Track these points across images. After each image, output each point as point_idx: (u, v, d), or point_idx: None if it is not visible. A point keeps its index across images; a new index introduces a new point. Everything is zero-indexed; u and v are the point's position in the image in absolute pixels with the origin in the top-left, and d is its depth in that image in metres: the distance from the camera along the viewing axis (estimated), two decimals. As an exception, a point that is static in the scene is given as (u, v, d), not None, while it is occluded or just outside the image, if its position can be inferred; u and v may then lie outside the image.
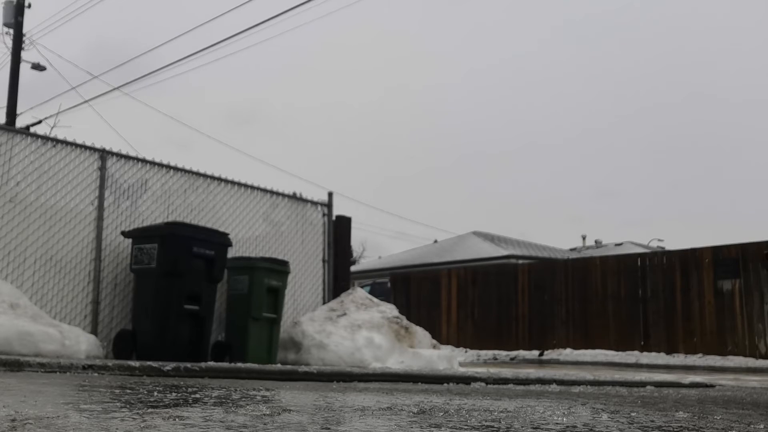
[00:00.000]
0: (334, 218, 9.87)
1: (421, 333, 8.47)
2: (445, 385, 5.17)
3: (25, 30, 19.01)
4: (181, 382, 4.05)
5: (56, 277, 7.06)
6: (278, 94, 76.55)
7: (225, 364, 5.96)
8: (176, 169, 8.20)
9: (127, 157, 7.83)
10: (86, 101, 19.68)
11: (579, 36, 75.21)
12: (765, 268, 7.32)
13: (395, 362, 7.61)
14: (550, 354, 16.02)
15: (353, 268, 20.75)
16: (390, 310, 8.52)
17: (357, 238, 51.29)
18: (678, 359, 14.09)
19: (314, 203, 9.71)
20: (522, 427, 2.21)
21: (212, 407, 2.49)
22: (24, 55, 18.98)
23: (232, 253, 7.90)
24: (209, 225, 8.01)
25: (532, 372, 7.37)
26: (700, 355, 14.20)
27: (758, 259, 13.92)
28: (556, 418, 2.52)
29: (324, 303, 9.18)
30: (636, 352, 14.87)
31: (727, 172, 67.56)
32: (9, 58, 18.65)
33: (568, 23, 73.57)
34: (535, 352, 16.42)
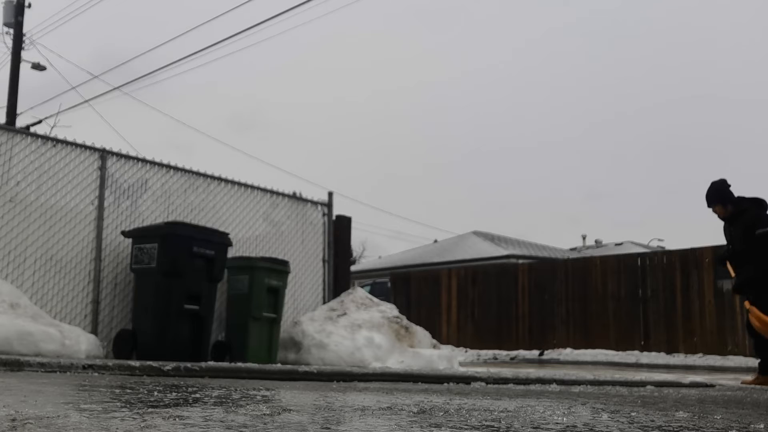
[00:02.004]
0: (334, 218, 9.87)
1: (421, 333, 8.47)
2: (445, 384, 5.17)
3: (25, 30, 19.03)
4: (181, 382, 4.05)
5: (56, 276, 7.06)
6: (277, 93, 76.63)
7: (225, 364, 5.96)
8: (176, 168, 8.20)
9: (128, 157, 7.83)
10: (86, 101, 19.70)
11: (578, 34, 75.24)
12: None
13: (395, 362, 7.61)
14: (550, 354, 16.02)
15: (353, 268, 20.76)
16: (390, 309, 8.52)
17: (357, 238, 51.34)
18: (678, 359, 14.09)
19: (314, 203, 9.71)
20: (522, 426, 2.21)
21: (212, 407, 2.49)
22: (24, 54, 19.00)
23: (232, 252, 7.91)
24: (209, 225, 8.01)
25: (532, 372, 7.37)
26: (700, 354, 14.20)
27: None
28: (556, 417, 2.52)
29: (324, 303, 9.19)
30: (636, 352, 14.87)
31: (726, 172, 67.54)
32: (9, 58, 18.67)
33: (566, 23, 73.59)
34: (535, 352, 16.41)
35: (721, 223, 7.41)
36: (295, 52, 74.56)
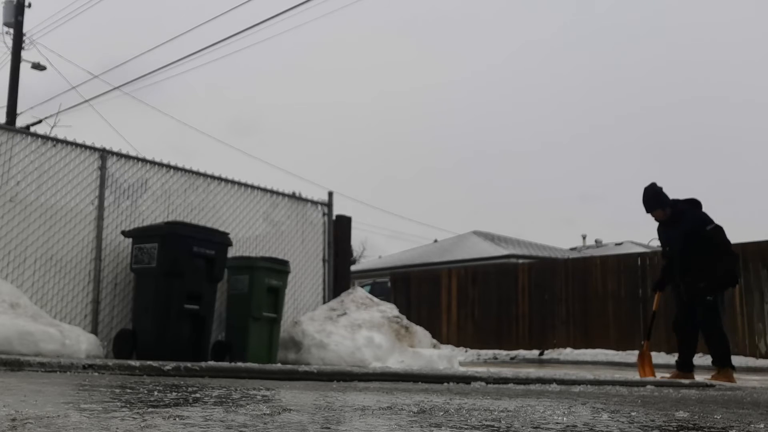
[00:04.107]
0: (334, 218, 9.86)
1: (421, 332, 8.46)
2: (446, 384, 5.17)
3: (25, 30, 19.02)
4: (182, 382, 4.05)
5: (56, 276, 7.06)
6: (277, 95, 76.61)
7: (225, 364, 5.96)
8: (176, 168, 8.20)
9: (128, 157, 7.83)
10: (86, 101, 19.70)
11: (578, 36, 75.27)
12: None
13: (395, 362, 7.61)
14: (550, 353, 16.01)
15: (353, 268, 20.75)
16: (390, 309, 8.51)
17: (357, 237, 51.38)
18: (678, 359, 14.06)
19: (314, 203, 9.71)
20: (522, 426, 2.21)
21: (212, 407, 2.49)
22: (24, 54, 19.00)
23: (232, 252, 7.90)
24: (209, 224, 8.01)
25: (532, 371, 7.37)
26: (700, 354, 14.15)
27: (758, 258, 13.90)
28: (556, 417, 2.52)
29: (324, 302, 9.18)
30: (636, 352, 14.82)
31: (726, 172, 67.61)
32: (9, 58, 18.67)
33: (567, 23, 73.63)
34: (536, 352, 16.41)
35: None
36: (295, 54, 74.60)
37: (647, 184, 7.50)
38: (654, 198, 7.39)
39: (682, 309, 7.38)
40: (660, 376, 7.45)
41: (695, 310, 7.31)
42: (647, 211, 7.46)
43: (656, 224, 7.65)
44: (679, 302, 7.42)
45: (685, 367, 7.32)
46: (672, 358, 14.06)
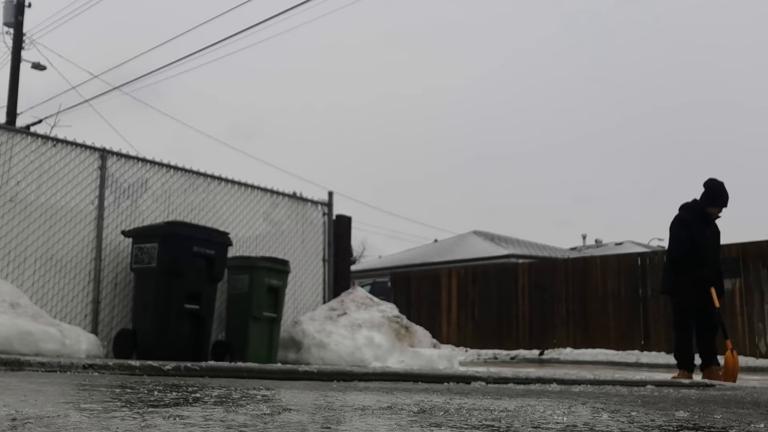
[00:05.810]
0: (334, 218, 9.86)
1: (421, 332, 8.46)
2: (446, 384, 5.17)
3: (25, 29, 19.02)
4: (182, 382, 4.05)
5: (56, 276, 7.06)
6: (278, 97, 76.61)
7: (225, 364, 5.96)
8: (176, 168, 8.20)
9: (128, 157, 7.83)
10: (86, 101, 19.69)
11: (578, 37, 75.29)
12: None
13: (395, 361, 7.61)
14: (550, 353, 16.01)
15: (353, 268, 20.75)
16: (390, 309, 8.51)
17: (357, 237, 51.39)
18: (678, 358, 14.05)
19: (314, 203, 9.70)
20: (522, 426, 2.21)
21: (213, 406, 2.49)
22: (24, 54, 18.99)
23: (232, 252, 7.90)
24: (209, 224, 8.01)
25: (533, 371, 7.37)
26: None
27: (758, 258, 13.90)
28: (556, 417, 2.52)
29: (324, 302, 9.18)
30: (636, 352, 14.86)
31: (727, 172, 67.59)
32: (9, 58, 18.66)
33: (567, 24, 73.66)
34: (536, 352, 16.41)
35: (719, 225, 7.50)
36: (296, 56, 74.61)
37: (716, 179, 7.44)
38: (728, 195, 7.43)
39: (700, 309, 7.35)
40: (671, 376, 7.44)
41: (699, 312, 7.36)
42: (724, 206, 7.42)
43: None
44: (701, 302, 7.36)
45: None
46: (672, 358, 14.07)
